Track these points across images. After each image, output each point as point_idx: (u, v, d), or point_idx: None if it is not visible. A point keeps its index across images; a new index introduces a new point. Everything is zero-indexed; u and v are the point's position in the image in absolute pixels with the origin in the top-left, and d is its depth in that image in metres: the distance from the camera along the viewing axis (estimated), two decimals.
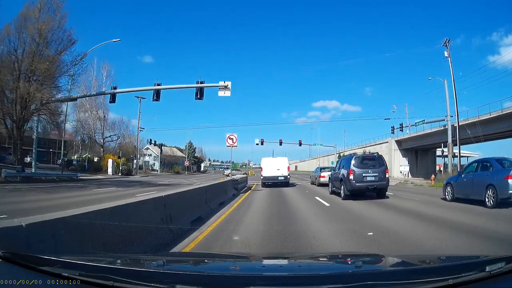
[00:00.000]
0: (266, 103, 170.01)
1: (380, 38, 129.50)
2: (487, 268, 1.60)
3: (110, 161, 42.43)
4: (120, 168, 43.56)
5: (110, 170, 42.21)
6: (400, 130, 41.95)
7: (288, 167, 23.00)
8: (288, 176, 22.89)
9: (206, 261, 2.66)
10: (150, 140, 58.05)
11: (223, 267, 2.33)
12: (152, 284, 1.44)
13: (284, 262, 2.69)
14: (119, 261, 2.11)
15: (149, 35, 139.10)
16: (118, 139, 54.67)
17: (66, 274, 1.55)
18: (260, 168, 23.26)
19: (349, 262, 2.50)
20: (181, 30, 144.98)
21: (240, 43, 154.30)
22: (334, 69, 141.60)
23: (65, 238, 3.07)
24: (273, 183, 22.29)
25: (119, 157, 45.17)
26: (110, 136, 55.72)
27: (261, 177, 22.68)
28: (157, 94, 25.01)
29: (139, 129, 49.84)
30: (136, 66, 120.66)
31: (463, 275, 1.55)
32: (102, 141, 54.23)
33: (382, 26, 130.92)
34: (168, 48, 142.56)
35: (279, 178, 22.37)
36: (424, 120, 40.69)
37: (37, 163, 59.26)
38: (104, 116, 53.49)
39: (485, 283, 1.55)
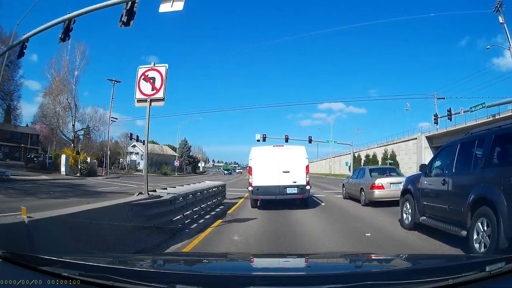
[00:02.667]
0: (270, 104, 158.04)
1: (382, 39, 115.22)
2: (487, 268, 1.52)
3: (63, 158, 31.21)
4: (79, 166, 32.34)
5: (63, 169, 31.02)
6: (448, 119, 29.87)
7: (307, 167, 10.45)
8: (308, 187, 10.32)
9: (206, 261, 2.52)
10: (131, 134, 46.70)
11: (223, 267, 2.23)
12: (152, 284, 1.36)
13: (284, 262, 2.52)
14: (119, 261, 2.02)
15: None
16: (91, 132, 43.56)
17: (66, 274, 1.47)
18: (249, 168, 10.73)
19: (349, 262, 2.44)
20: None
21: (241, 42, 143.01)
22: (340, 70, 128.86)
23: None
24: (274, 200, 10.25)
25: (77, 153, 33.95)
26: (83, 129, 44.84)
27: (250, 188, 10.30)
28: (65, 31, 14.33)
29: (111, 119, 38.70)
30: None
31: (463, 275, 1.47)
32: (72, 134, 43.37)
33: (385, 27, 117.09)
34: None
35: (288, 190, 10.03)
36: (484, 103, 28.75)
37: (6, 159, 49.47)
38: (76, 105, 42.76)
39: (485, 283, 1.48)
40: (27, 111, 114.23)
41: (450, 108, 29.77)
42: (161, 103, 5.91)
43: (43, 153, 45.69)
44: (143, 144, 48.54)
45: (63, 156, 31.50)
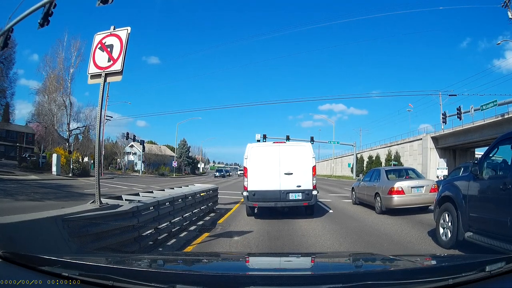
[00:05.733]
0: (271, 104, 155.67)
1: (383, 40, 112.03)
2: (487, 268, 1.48)
3: (54, 157, 29.58)
4: (71, 166, 30.70)
5: (54, 169, 29.40)
6: (457, 117, 28.11)
7: (314, 168, 8.54)
8: (315, 192, 8.48)
9: (206, 261, 2.45)
10: (128, 134, 44.93)
11: (223, 267, 2.18)
12: (152, 284, 1.33)
13: (284, 261, 2.48)
14: (119, 261, 2.00)
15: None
16: (88, 131, 41.98)
17: (66, 274, 1.45)
18: (244, 169, 8.89)
19: (349, 262, 2.38)
20: None
21: (243, 42, 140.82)
22: (341, 72, 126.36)
23: None
24: (274, 207, 8.61)
25: (69, 152, 32.31)
26: (78, 128, 43.28)
27: (245, 193, 8.50)
28: (45, 16, 13.21)
29: (106, 117, 37.08)
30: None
31: (463, 275, 1.44)
32: (67, 133, 41.89)
33: (386, 27, 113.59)
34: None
35: (291, 196, 8.28)
36: (495, 101, 27.00)
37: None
38: (71, 103, 41.27)
39: (485, 283, 1.45)
40: (28, 110, 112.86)
41: (460, 106, 28.07)
42: (119, 78, 4.28)
43: (37, 152, 44.20)
44: (140, 144, 46.95)
45: (54, 155, 29.89)
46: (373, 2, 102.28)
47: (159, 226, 5.34)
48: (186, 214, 6.64)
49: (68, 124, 41.81)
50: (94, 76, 4.40)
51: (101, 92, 4.29)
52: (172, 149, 64.81)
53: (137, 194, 6.33)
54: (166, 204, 5.61)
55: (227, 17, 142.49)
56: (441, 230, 5.71)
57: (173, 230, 5.75)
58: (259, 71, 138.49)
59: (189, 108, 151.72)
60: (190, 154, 68.67)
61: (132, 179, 33.62)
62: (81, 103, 79.60)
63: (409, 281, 1.39)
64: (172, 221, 5.81)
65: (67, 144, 40.94)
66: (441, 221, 5.71)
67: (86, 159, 42.97)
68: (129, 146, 57.62)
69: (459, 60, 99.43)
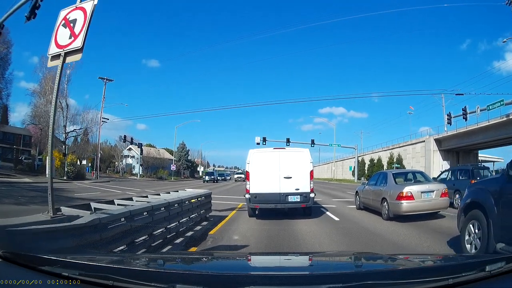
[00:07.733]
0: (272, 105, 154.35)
1: (384, 41, 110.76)
2: (487, 268, 1.47)
3: (48, 160, 28.67)
4: (66, 169, 29.87)
5: (48, 172, 28.51)
6: (463, 118, 27.23)
7: (312, 173, 8.93)
8: (312, 195, 8.87)
9: (206, 260, 2.42)
10: (125, 137, 44.03)
11: (223, 267, 2.16)
12: (152, 284, 1.32)
13: (284, 261, 2.51)
14: (119, 260, 1.98)
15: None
16: (83, 133, 41.15)
17: (66, 274, 1.44)
18: (246, 173, 9.25)
19: (349, 262, 2.35)
20: None
21: (243, 41, 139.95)
22: (341, 73, 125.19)
23: None
24: (275, 209, 9.16)
25: (64, 155, 31.51)
26: (74, 130, 42.50)
27: (247, 195, 8.93)
28: (32, 9, 12.59)
29: (103, 119, 36.33)
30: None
31: (463, 275, 1.43)
32: (63, 136, 41.11)
33: (387, 27, 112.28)
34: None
35: (290, 198, 8.73)
36: (502, 100, 26.14)
37: None
38: (67, 105, 40.56)
39: (485, 283, 1.44)
40: (26, 112, 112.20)
41: (465, 107, 27.20)
42: (78, 57, 3.50)
43: (34, 155, 43.52)
44: (138, 147, 46.13)
45: (47, 158, 28.99)
46: (374, 2, 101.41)
47: (136, 240, 4.51)
48: (171, 225, 5.80)
49: (65, 126, 41.11)
50: (54, 57, 3.63)
51: (58, 74, 3.53)
52: (171, 152, 63.96)
53: (112, 202, 5.50)
54: (144, 214, 4.78)
55: (226, 19, 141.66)
56: (468, 241, 4.88)
57: (152, 244, 4.91)
58: (258, 73, 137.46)
59: (188, 109, 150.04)
60: (189, 158, 67.75)
61: (128, 183, 32.78)
62: (79, 106, 78.95)
63: (409, 281, 1.37)
64: (152, 233, 4.98)
65: (63, 146, 40.19)
66: (467, 231, 4.87)
67: (84, 162, 42.15)
68: (127, 149, 56.80)
69: (461, 61, 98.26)
